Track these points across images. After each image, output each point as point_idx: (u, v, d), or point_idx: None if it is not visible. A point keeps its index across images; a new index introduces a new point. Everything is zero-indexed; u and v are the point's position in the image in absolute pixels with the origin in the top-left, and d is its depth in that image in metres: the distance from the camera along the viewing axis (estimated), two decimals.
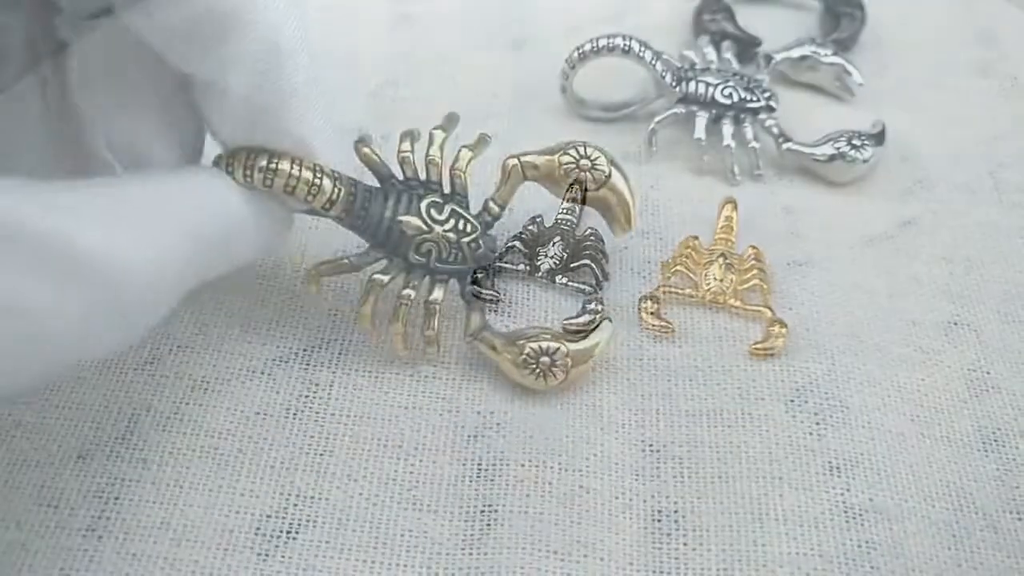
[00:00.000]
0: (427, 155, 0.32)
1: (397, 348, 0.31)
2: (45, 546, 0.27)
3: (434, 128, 0.32)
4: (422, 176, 0.32)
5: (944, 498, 0.29)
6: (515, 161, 0.32)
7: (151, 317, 0.24)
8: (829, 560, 0.28)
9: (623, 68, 0.43)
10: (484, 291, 0.32)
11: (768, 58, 0.42)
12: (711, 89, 0.40)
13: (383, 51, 0.44)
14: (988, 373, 0.33)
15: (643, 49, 0.40)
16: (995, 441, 0.31)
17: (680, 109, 0.40)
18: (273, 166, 0.28)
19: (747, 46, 0.44)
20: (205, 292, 0.33)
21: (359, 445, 0.30)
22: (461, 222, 0.31)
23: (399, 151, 0.32)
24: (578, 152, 0.33)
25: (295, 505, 0.29)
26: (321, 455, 0.30)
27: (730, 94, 0.40)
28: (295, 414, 0.31)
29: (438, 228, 0.31)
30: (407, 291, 0.31)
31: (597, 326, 0.31)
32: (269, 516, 0.28)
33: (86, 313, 0.22)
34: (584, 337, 0.31)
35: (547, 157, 0.33)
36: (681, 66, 0.41)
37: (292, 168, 0.28)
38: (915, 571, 0.28)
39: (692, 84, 0.40)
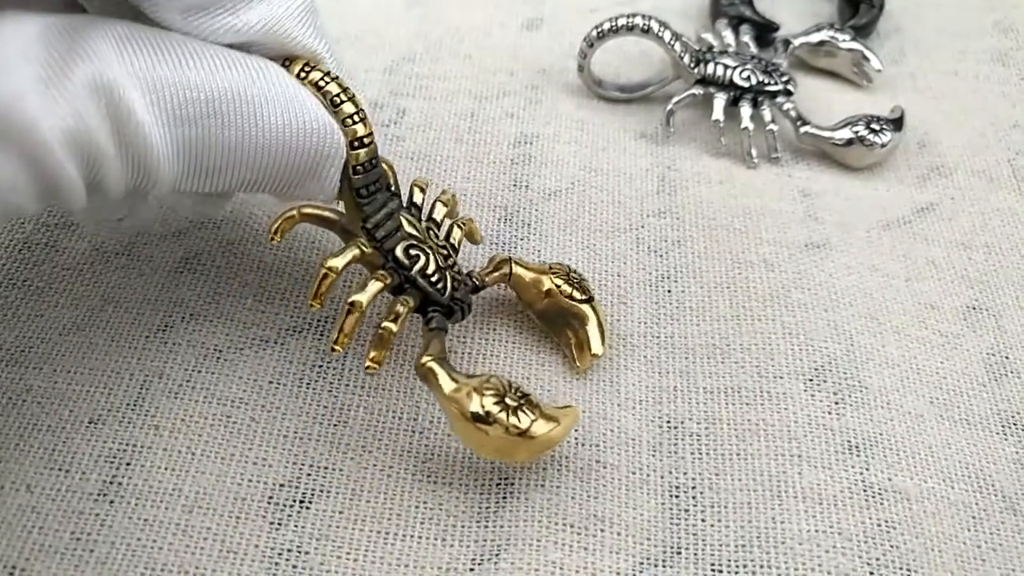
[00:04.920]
0: (439, 196, 0.32)
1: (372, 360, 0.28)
2: (56, 509, 0.27)
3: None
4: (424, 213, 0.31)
5: (963, 480, 0.29)
6: (507, 260, 0.31)
7: None
8: (848, 538, 0.27)
9: (641, 48, 0.43)
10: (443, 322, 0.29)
11: (786, 43, 0.42)
12: (729, 71, 0.40)
13: (400, 28, 0.44)
14: (1007, 358, 0.32)
15: (662, 29, 0.39)
16: (1014, 425, 0.31)
17: (698, 91, 0.40)
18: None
19: (765, 31, 0.44)
20: (219, 262, 0.33)
21: (373, 417, 0.30)
22: (450, 259, 0.30)
23: (413, 193, 0.31)
24: (569, 274, 0.32)
25: (308, 475, 0.28)
26: (335, 426, 0.29)
27: (748, 77, 0.40)
28: (308, 384, 0.30)
29: (432, 240, 0.30)
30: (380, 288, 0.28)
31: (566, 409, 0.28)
32: (282, 485, 0.28)
33: None
34: (553, 419, 0.27)
35: (536, 272, 0.31)
36: (700, 48, 0.41)
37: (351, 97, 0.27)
38: (934, 551, 0.27)
39: (710, 66, 0.40)
